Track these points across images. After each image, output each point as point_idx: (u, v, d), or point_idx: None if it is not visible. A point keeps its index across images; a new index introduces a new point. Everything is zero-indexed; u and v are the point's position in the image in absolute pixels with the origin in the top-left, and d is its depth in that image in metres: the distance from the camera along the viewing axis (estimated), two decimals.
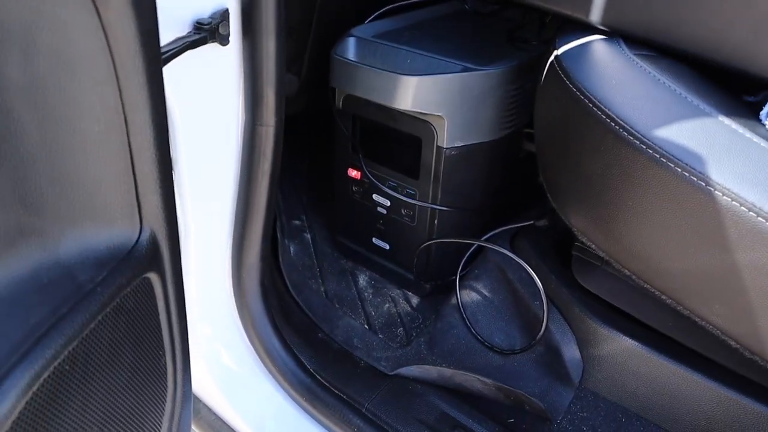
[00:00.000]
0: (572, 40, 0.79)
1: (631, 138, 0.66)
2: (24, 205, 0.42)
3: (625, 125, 0.67)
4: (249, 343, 0.93)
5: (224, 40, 0.74)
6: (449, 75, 0.88)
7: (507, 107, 0.95)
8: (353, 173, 1.07)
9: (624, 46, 0.75)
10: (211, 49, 0.73)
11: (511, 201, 1.11)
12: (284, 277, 1.07)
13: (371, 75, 0.91)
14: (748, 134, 0.65)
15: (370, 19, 1.10)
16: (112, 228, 0.49)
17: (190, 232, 0.83)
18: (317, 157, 1.43)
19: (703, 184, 0.62)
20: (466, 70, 0.90)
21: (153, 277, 0.52)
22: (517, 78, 0.95)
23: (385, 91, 0.90)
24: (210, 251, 0.87)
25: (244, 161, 0.83)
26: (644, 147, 0.65)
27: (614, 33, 0.77)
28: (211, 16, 0.72)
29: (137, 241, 0.50)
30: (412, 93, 0.88)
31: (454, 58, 0.93)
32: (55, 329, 0.42)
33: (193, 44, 0.69)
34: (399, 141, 0.97)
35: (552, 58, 0.80)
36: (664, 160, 0.64)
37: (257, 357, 0.93)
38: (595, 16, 0.77)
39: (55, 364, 0.41)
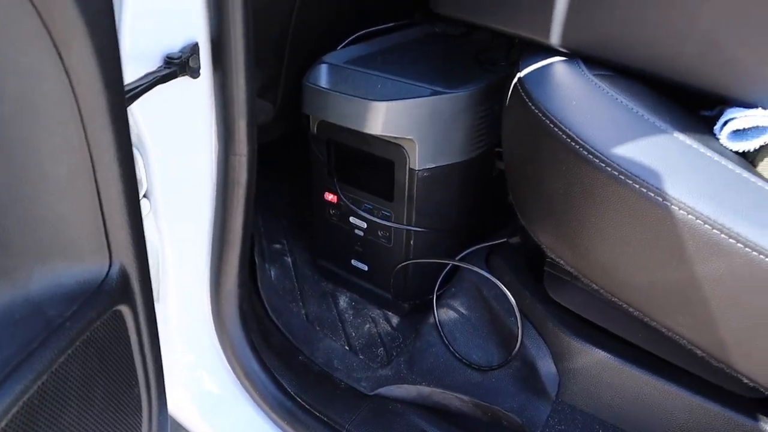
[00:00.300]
0: (534, 62, 0.81)
1: (591, 157, 0.68)
2: None
3: (585, 144, 0.69)
4: (230, 368, 0.94)
5: (195, 73, 0.76)
6: (418, 99, 0.91)
7: (477, 128, 0.97)
8: (330, 197, 1.09)
9: (583, 67, 0.78)
10: (182, 82, 0.75)
11: (486, 219, 1.13)
12: (263, 301, 1.08)
13: (342, 101, 0.93)
14: (702, 149, 0.67)
15: (342, 45, 1.13)
16: (81, 263, 0.50)
17: (168, 260, 0.85)
18: (296, 181, 1.45)
19: (660, 199, 0.64)
20: (434, 93, 0.92)
21: (124, 309, 0.53)
22: (486, 99, 0.97)
23: (356, 116, 0.92)
24: (188, 278, 0.88)
25: (219, 190, 0.84)
26: (603, 165, 0.67)
27: (574, 54, 0.80)
28: (181, 51, 0.74)
29: (107, 275, 0.52)
30: (383, 118, 0.90)
31: (424, 81, 0.95)
32: (25, 364, 0.43)
33: (164, 79, 0.71)
34: (373, 164, 0.99)
35: (515, 80, 0.82)
36: (623, 177, 0.66)
37: (238, 381, 0.94)
38: (555, 39, 0.80)
39: (25, 399, 0.42)
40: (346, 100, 0.93)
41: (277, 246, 1.26)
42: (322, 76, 1.01)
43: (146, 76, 0.69)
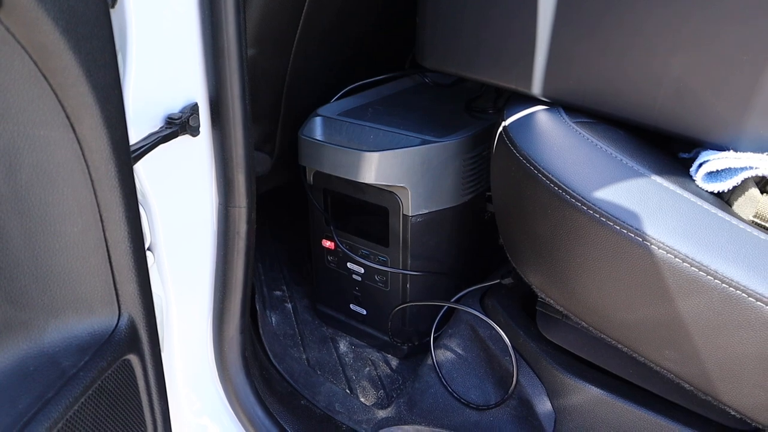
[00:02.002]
0: (518, 111, 0.86)
1: (573, 200, 0.72)
2: (10, 302, 0.47)
3: (567, 189, 0.72)
4: (233, 414, 0.96)
5: (195, 132, 0.80)
6: (409, 148, 0.95)
7: (466, 174, 1.01)
8: (327, 244, 1.12)
9: (564, 115, 0.82)
10: (183, 140, 0.79)
11: (479, 261, 1.16)
12: (265, 348, 1.10)
13: (336, 153, 0.97)
14: (679, 191, 0.70)
15: (335, 98, 1.17)
16: (92, 316, 0.53)
17: (172, 309, 0.87)
18: (295, 228, 1.49)
19: (640, 239, 0.67)
20: (425, 142, 0.96)
21: (133, 358, 0.56)
22: (475, 146, 1.01)
23: (350, 167, 0.96)
24: (191, 327, 0.91)
25: (219, 241, 0.88)
26: (585, 208, 0.71)
27: (555, 103, 0.84)
28: (182, 111, 0.78)
29: (116, 326, 0.55)
30: (375, 167, 0.94)
31: (414, 131, 0.99)
32: (41, 413, 0.46)
33: (165, 138, 0.75)
34: (368, 211, 1.03)
35: (500, 128, 0.86)
36: (604, 219, 0.69)
37: (242, 427, 0.96)
38: (537, 89, 0.84)
39: None
40: (341, 152, 0.97)
41: (278, 293, 1.29)
42: (317, 128, 1.05)
43: (149, 136, 0.73)
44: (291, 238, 1.46)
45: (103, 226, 0.51)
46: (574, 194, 0.72)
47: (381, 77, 1.24)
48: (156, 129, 0.75)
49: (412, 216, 0.99)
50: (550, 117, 0.82)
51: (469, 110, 1.12)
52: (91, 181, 0.49)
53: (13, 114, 0.44)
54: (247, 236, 0.88)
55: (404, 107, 1.13)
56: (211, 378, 0.94)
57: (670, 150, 0.83)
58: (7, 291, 0.46)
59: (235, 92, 0.80)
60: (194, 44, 0.77)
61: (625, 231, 0.68)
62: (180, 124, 0.77)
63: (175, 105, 0.78)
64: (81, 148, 0.48)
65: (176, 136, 0.76)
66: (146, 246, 0.84)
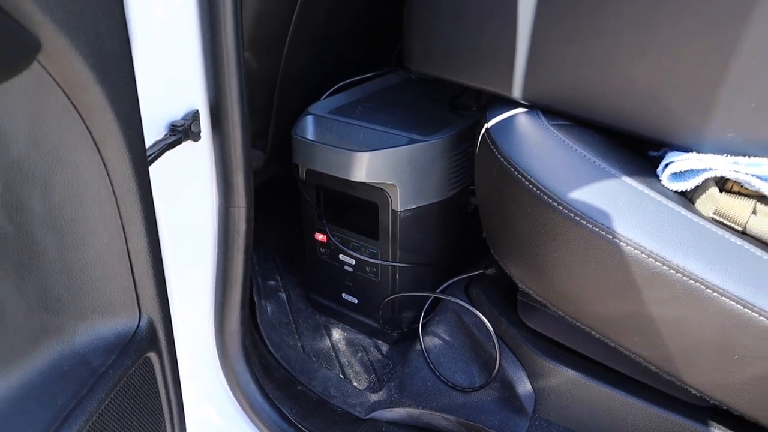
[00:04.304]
0: (500, 113, 0.91)
1: (550, 200, 0.78)
2: (46, 310, 0.52)
3: (545, 190, 0.79)
4: (235, 400, 1.02)
5: (196, 137, 0.85)
6: (397, 148, 1.00)
7: (452, 170, 1.07)
8: (320, 237, 1.18)
9: (542, 118, 0.88)
10: (186, 145, 0.84)
11: (464, 252, 1.23)
12: (263, 337, 1.16)
13: (328, 152, 1.03)
14: (647, 190, 0.77)
15: (325, 95, 1.22)
16: (116, 318, 0.59)
17: (176, 304, 0.93)
18: (287, 220, 1.54)
19: (610, 236, 0.74)
20: (412, 141, 1.02)
21: (152, 356, 0.62)
22: (459, 144, 1.07)
23: (341, 166, 1.01)
24: (195, 320, 0.97)
25: (220, 240, 0.93)
26: (561, 208, 0.77)
27: (534, 106, 0.90)
28: (184, 118, 0.83)
29: (137, 327, 0.60)
30: (366, 166, 1.00)
31: (402, 129, 1.05)
32: (78, 409, 0.52)
33: (171, 145, 0.80)
34: (358, 206, 1.09)
35: (483, 130, 0.92)
36: (578, 218, 0.76)
37: (243, 413, 1.02)
38: (517, 92, 0.90)
39: None
40: (332, 151, 1.02)
41: (272, 282, 1.35)
42: (309, 127, 1.11)
43: (156, 144, 0.78)
44: (283, 228, 1.52)
45: (125, 237, 0.57)
46: (551, 195, 0.78)
47: (368, 75, 1.29)
48: (161, 137, 0.80)
49: (400, 211, 1.05)
50: (530, 119, 0.88)
51: (453, 107, 1.18)
52: (115, 198, 0.55)
53: (48, 142, 0.49)
54: (246, 234, 0.93)
55: (391, 104, 1.19)
56: (214, 367, 1.00)
57: (641, 148, 0.89)
58: (43, 300, 0.52)
59: (233, 99, 0.85)
60: (195, 55, 0.82)
61: (597, 229, 0.75)
62: (183, 131, 0.82)
63: (177, 112, 0.83)
64: (106, 169, 0.53)
65: (180, 143, 0.81)
66: None
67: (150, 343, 0.61)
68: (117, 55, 0.51)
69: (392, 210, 1.05)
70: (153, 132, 0.79)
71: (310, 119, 1.12)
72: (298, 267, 1.40)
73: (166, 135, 0.81)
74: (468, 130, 1.08)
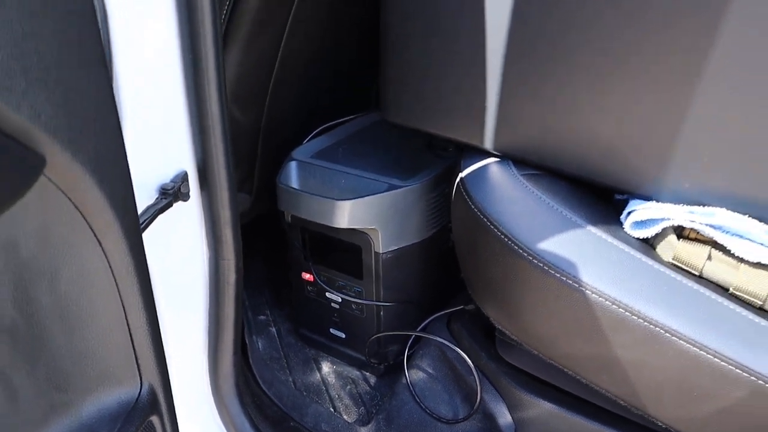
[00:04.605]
0: (473, 163, 0.97)
1: (521, 251, 0.83)
2: (56, 388, 0.57)
3: (516, 240, 0.84)
4: None
5: (186, 197, 0.90)
6: (378, 195, 1.05)
7: (430, 211, 1.13)
8: (306, 276, 1.23)
9: (513, 168, 0.93)
10: (176, 205, 0.89)
11: (446, 286, 1.28)
12: (255, 375, 1.21)
13: (312, 200, 1.08)
14: (610, 239, 0.82)
15: (307, 139, 1.28)
16: (119, 388, 0.64)
17: (171, 351, 0.98)
18: (275, 254, 1.59)
19: (577, 285, 0.79)
20: (392, 187, 1.07)
21: (154, 419, 0.66)
22: (437, 186, 1.12)
23: (325, 213, 1.07)
24: (190, 365, 1.01)
25: (211, 289, 0.98)
26: (531, 258, 0.82)
27: (505, 156, 0.95)
28: (173, 180, 0.88)
29: (139, 394, 0.65)
30: (348, 214, 1.05)
31: (381, 173, 1.10)
32: None
33: (162, 210, 0.84)
34: (343, 249, 1.14)
35: (458, 179, 0.97)
36: (547, 268, 0.81)
37: None
38: (488, 144, 0.95)
39: None
40: (315, 200, 1.07)
41: (262, 317, 1.40)
42: (292, 174, 1.16)
43: (148, 209, 0.83)
44: (272, 263, 1.57)
45: (125, 314, 0.62)
46: (522, 245, 0.84)
47: (349, 118, 1.34)
48: (152, 201, 0.85)
49: (382, 253, 1.10)
50: (501, 170, 0.94)
51: (430, 147, 1.23)
52: (115, 281, 0.59)
53: (54, 241, 0.54)
54: (236, 284, 0.98)
55: (371, 144, 1.24)
56: (210, 410, 1.05)
57: (607, 193, 0.95)
58: (52, 380, 0.56)
59: (220, 161, 0.90)
60: (182, 119, 0.87)
61: (565, 278, 0.80)
62: (173, 194, 0.87)
63: (167, 175, 0.87)
64: (106, 257, 0.58)
65: (171, 206, 0.86)
66: None
67: (151, 408, 0.66)
68: (113, 157, 0.56)
69: (375, 252, 1.10)
70: (145, 196, 0.84)
71: (293, 165, 1.17)
72: (287, 301, 1.45)
73: (157, 199, 0.86)
74: (445, 172, 1.13)
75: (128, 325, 0.63)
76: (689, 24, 0.73)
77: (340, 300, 1.21)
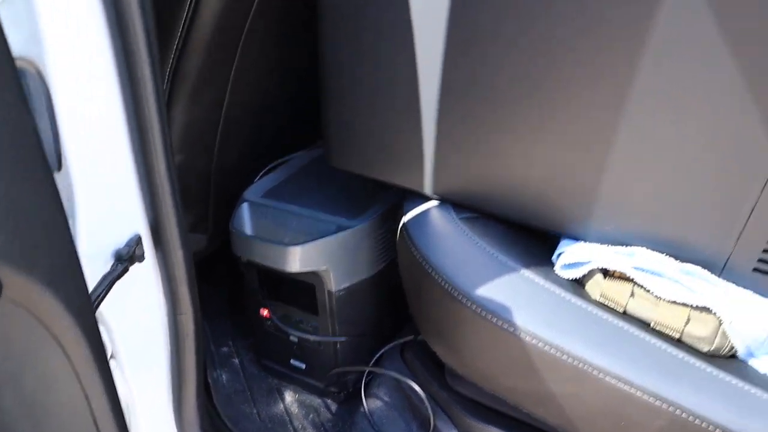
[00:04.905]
0: (415, 206, 1.02)
1: (459, 297, 0.89)
2: None
3: (455, 287, 0.90)
4: None
5: (140, 259, 0.93)
6: (327, 238, 1.10)
7: (379, 247, 1.18)
8: (264, 312, 1.27)
9: (452, 212, 0.99)
10: (132, 268, 0.92)
11: (400, 316, 1.34)
12: (220, 414, 1.25)
13: (264, 246, 1.12)
14: (542, 281, 0.89)
15: (258, 177, 1.32)
16: None
17: (136, 403, 1.02)
18: (236, 284, 1.62)
19: (512, 329, 0.85)
20: (340, 228, 1.12)
21: None
22: (384, 222, 1.17)
23: (277, 258, 1.11)
24: (154, 415, 1.05)
25: (172, 342, 1.02)
26: (469, 304, 0.88)
27: (444, 200, 1.01)
28: (127, 244, 0.91)
29: None
30: (299, 258, 1.10)
31: (330, 212, 1.15)
32: None
33: (118, 276, 0.88)
34: (297, 288, 1.19)
35: (401, 224, 1.03)
36: (484, 314, 0.87)
37: None
38: (428, 189, 1.01)
39: None
40: (267, 246, 1.12)
41: (225, 349, 1.44)
42: (245, 218, 1.20)
43: (104, 278, 0.86)
44: (233, 292, 1.61)
45: (89, 403, 0.66)
46: (461, 292, 0.89)
47: (297, 154, 1.38)
48: (108, 269, 0.88)
49: (335, 291, 1.15)
50: (441, 215, 0.99)
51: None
52: (77, 375, 0.64)
53: (15, 350, 0.58)
54: (195, 335, 1.02)
55: (319, 179, 1.28)
56: None
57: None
58: None
59: (171, 221, 0.94)
60: (132, 186, 0.90)
61: (501, 323, 0.86)
62: (128, 258, 0.90)
63: (121, 240, 0.91)
64: (68, 357, 0.62)
65: (127, 271, 0.90)
66: (108, 354, 0.98)
67: None
68: (67, 265, 0.60)
69: (328, 290, 1.15)
70: (100, 264, 0.87)
71: (245, 208, 1.21)
72: (250, 329, 1.49)
73: (113, 266, 0.89)
74: (391, 208, 1.19)
75: (92, 411, 0.67)
76: (605, 84, 0.79)
77: (298, 334, 1.26)
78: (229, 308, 1.56)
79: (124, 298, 0.94)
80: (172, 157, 0.93)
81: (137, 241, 0.93)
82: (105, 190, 0.86)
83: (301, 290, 1.18)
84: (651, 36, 0.74)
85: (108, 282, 0.86)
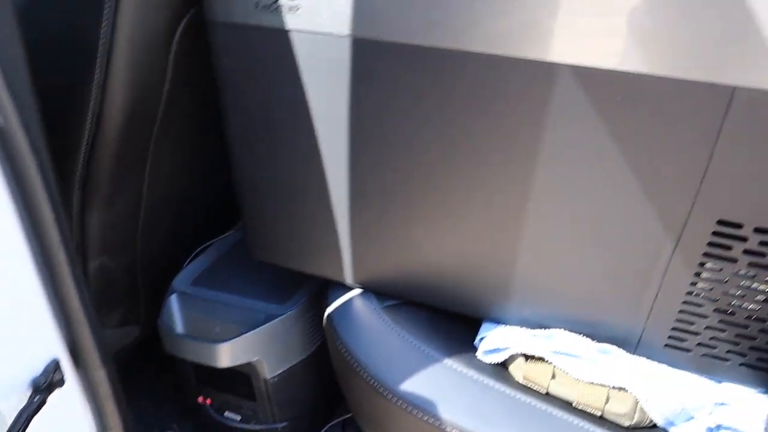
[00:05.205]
0: (339, 296, 1.03)
1: (385, 392, 0.90)
2: None
3: (380, 383, 0.90)
4: None
5: (60, 383, 0.91)
6: (256, 330, 1.10)
7: (310, 330, 1.18)
8: (201, 399, 1.26)
9: (374, 300, 1.00)
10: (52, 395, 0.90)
11: (338, 393, 1.33)
12: None
13: (193, 344, 1.11)
14: (466, 370, 0.90)
15: (186, 263, 1.30)
16: None
17: None
18: (174, 362, 1.60)
19: (437, 423, 0.86)
20: (269, 318, 1.12)
21: None
22: (312, 305, 1.17)
23: (208, 355, 1.10)
24: None
25: None
26: (394, 399, 0.89)
27: (366, 289, 1.02)
28: (45, 371, 0.89)
29: None
30: (229, 354, 1.09)
31: (258, 299, 1.15)
32: None
33: (37, 409, 0.86)
34: (233, 377, 1.18)
35: (326, 316, 1.03)
36: (410, 409, 0.88)
37: None
38: (349, 279, 1.02)
39: None
40: (197, 344, 1.11)
41: None
42: (174, 312, 1.18)
43: (21, 414, 0.84)
44: (171, 374, 1.58)
45: None
46: (386, 388, 0.90)
47: (223, 236, 1.38)
48: (25, 402, 0.86)
49: (269, 378, 1.15)
50: (364, 303, 1.00)
51: None
52: None
53: None
54: None
55: (247, 261, 1.27)
56: None
57: None
58: None
59: (89, 343, 0.92)
60: (44, 312, 0.88)
61: (426, 417, 0.87)
62: (47, 387, 0.88)
63: (37, 367, 0.88)
64: None
65: (45, 402, 0.88)
66: None
67: None
68: None
69: (263, 378, 1.15)
70: (15, 397, 0.85)
71: (174, 300, 1.19)
72: (192, 412, 1.47)
73: (30, 399, 0.87)
74: (319, 291, 1.18)
75: None
76: (506, 180, 0.81)
77: (239, 418, 1.25)
78: (174, 391, 1.53)
79: (49, 424, 0.92)
80: (81, 269, 0.91)
81: (55, 366, 0.91)
82: (14, 319, 0.84)
83: (237, 379, 1.18)
84: (542, 139, 0.76)
85: (24, 418, 0.84)
